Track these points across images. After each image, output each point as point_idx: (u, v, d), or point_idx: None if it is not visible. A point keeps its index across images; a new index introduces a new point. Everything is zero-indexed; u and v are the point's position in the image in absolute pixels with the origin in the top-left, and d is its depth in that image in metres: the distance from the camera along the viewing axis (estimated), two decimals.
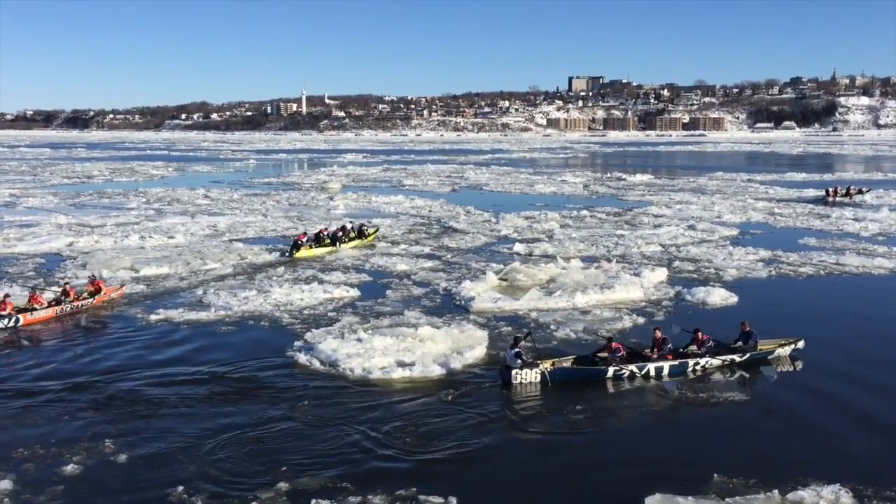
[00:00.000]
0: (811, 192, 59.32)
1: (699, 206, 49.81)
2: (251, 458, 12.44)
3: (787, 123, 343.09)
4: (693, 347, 17.23)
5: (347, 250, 32.33)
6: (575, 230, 38.73)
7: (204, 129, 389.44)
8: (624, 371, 16.40)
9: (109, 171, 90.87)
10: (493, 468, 12.26)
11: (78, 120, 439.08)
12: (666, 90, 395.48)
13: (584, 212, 46.42)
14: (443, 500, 11.03)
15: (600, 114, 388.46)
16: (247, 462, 12.28)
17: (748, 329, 17.64)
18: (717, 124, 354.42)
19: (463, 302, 22.85)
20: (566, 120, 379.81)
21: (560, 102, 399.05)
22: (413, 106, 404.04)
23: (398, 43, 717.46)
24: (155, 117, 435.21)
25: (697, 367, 16.95)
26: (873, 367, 17.32)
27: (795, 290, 25.67)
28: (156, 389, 15.63)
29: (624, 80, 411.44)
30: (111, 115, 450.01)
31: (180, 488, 11.35)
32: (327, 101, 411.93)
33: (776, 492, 11.11)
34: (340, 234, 33.56)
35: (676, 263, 29.20)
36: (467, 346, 17.98)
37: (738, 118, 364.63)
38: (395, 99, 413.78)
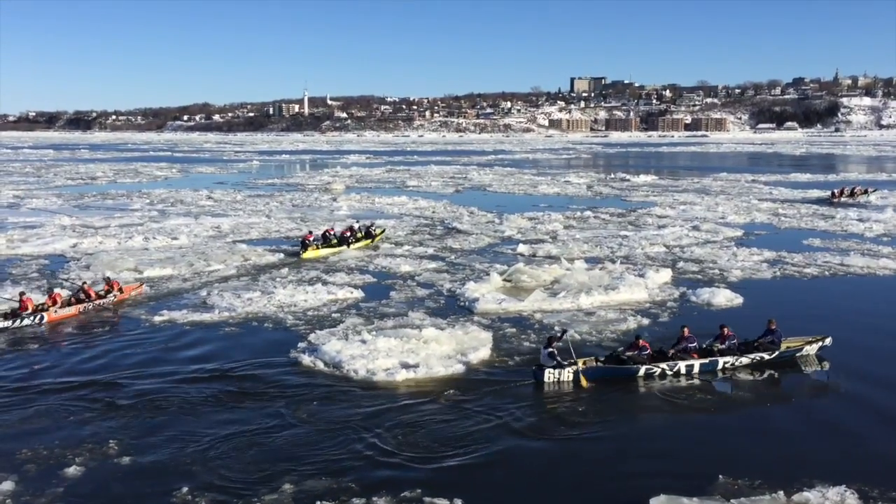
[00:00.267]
0: (815, 193, 59.18)
1: (703, 207, 49.71)
2: (255, 459, 12.40)
3: (789, 124, 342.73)
4: (718, 344, 17.19)
5: (353, 251, 32.34)
6: (579, 231, 38.66)
7: (206, 131, 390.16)
8: (655, 370, 16.39)
9: (113, 173, 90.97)
10: (498, 469, 12.21)
11: (80, 121, 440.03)
12: (668, 91, 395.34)
13: (588, 212, 46.34)
14: (447, 501, 10.99)
15: (602, 114, 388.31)
16: (251, 464, 12.24)
17: (774, 327, 17.61)
18: (720, 125, 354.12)
19: (467, 303, 22.81)
20: (568, 121, 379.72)
21: (562, 103, 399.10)
22: (415, 107, 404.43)
23: (400, 44, 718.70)
24: (157, 118, 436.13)
25: (727, 366, 16.96)
26: (886, 366, 17.29)
27: (800, 290, 25.60)
28: (160, 391, 15.60)
29: (626, 81, 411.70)
30: (113, 117, 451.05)
31: (184, 489, 11.32)
32: (329, 102, 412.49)
33: (781, 493, 11.07)
34: (348, 234, 33.65)
35: (681, 264, 29.12)
36: (471, 347, 17.93)
37: (740, 119, 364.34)
38: (397, 100, 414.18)
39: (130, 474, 11.97)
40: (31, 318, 21.04)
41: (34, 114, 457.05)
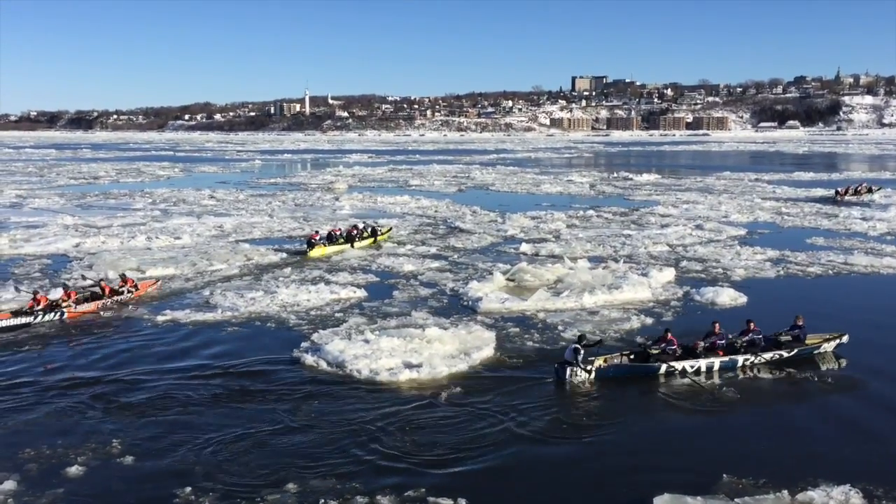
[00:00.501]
0: (818, 192, 59.03)
1: (706, 206, 49.61)
2: (258, 459, 12.37)
3: (790, 123, 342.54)
4: (742, 338, 17.27)
5: (357, 251, 32.35)
6: (582, 230, 38.61)
7: (207, 130, 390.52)
8: (675, 368, 16.44)
9: (115, 172, 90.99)
10: (501, 468, 12.17)
11: (82, 121, 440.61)
12: (669, 89, 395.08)
13: (591, 212, 46.26)
14: (452, 501, 10.95)
15: (604, 113, 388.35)
16: (255, 463, 12.22)
17: (801, 323, 17.68)
18: (721, 124, 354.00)
19: (470, 302, 22.76)
20: (569, 120, 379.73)
21: (563, 102, 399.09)
22: (416, 106, 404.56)
23: (401, 43, 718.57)
24: (158, 118, 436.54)
25: (747, 364, 17.00)
26: (893, 364, 17.28)
27: (804, 289, 25.53)
28: (162, 390, 15.58)
29: (627, 80, 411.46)
30: (115, 116, 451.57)
31: (188, 489, 11.30)
32: (330, 101, 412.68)
33: (786, 492, 11.04)
34: (354, 233, 33.74)
35: (684, 263, 29.07)
36: (475, 347, 17.89)
37: (741, 117, 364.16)
38: (398, 99, 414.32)
39: (133, 474, 11.94)
40: (52, 314, 21.32)
41: (35, 113, 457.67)
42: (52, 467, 12.08)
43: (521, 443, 13.14)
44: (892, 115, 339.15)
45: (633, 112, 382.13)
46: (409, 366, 16.58)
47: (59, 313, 21.45)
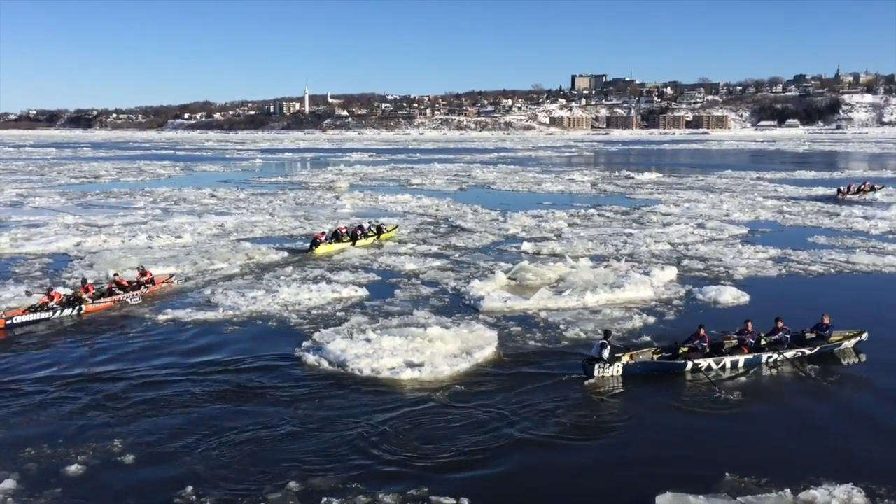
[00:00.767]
0: (820, 190, 59.03)
1: (708, 205, 49.56)
2: (261, 458, 12.34)
3: (790, 121, 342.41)
4: (773, 337, 17.42)
5: (358, 249, 32.34)
6: (583, 229, 38.57)
7: (207, 129, 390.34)
8: (701, 364, 16.59)
9: (116, 171, 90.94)
10: (503, 468, 12.14)
11: (81, 119, 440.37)
12: (669, 88, 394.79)
13: (592, 210, 46.21)
14: (454, 501, 10.93)
15: (603, 112, 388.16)
16: (257, 462, 12.18)
17: (828, 321, 17.87)
18: (721, 122, 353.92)
19: (472, 301, 22.72)
20: (569, 118, 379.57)
21: (563, 101, 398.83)
22: (416, 105, 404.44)
23: (401, 42, 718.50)
24: (158, 117, 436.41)
25: (770, 361, 17.15)
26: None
27: (806, 288, 25.51)
28: (164, 389, 15.56)
29: (627, 79, 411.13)
30: (114, 115, 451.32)
31: (189, 489, 11.26)
32: (330, 100, 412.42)
33: (788, 491, 11.02)
34: (359, 231, 33.84)
35: (686, 262, 29.03)
36: (477, 346, 17.85)
37: (741, 116, 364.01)
38: (397, 98, 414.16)
39: (133, 473, 11.91)
40: (70, 309, 21.57)
41: (35, 112, 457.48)
42: (52, 466, 12.05)
43: (523, 442, 13.10)
44: (891, 114, 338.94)
45: (632, 111, 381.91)
46: (410, 365, 16.55)
47: (76, 308, 21.68)
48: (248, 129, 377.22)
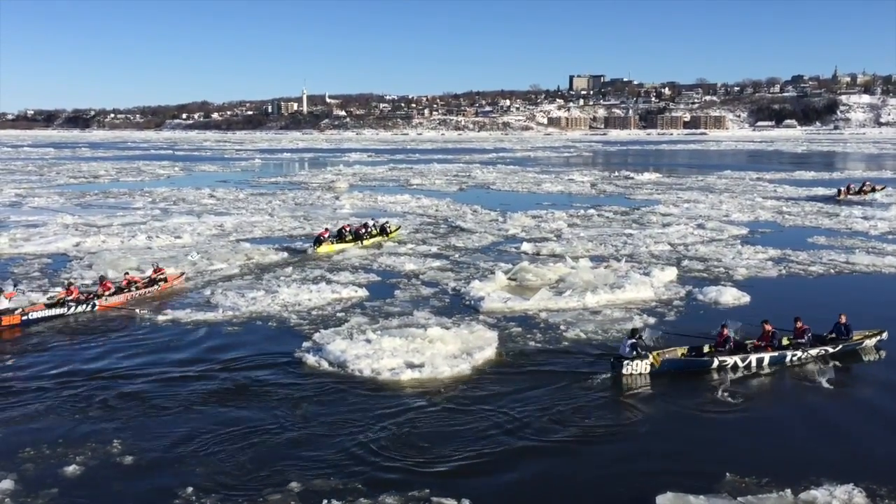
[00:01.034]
0: (819, 191, 59.06)
1: (707, 205, 49.60)
2: (261, 459, 12.31)
3: (788, 122, 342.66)
4: (793, 338, 17.49)
5: (359, 249, 32.32)
6: (583, 229, 38.57)
7: (205, 129, 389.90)
8: (728, 362, 16.77)
9: (115, 171, 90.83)
10: (504, 468, 12.12)
11: (79, 119, 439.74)
12: (667, 88, 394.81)
13: (592, 211, 46.20)
14: (455, 501, 10.89)
15: (601, 112, 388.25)
16: (257, 463, 12.14)
17: (844, 321, 17.96)
18: (719, 123, 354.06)
19: (472, 302, 22.69)
20: (567, 119, 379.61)
21: (561, 101, 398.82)
22: (414, 105, 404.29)
23: (399, 42, 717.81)
24: (156, 117, 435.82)
25: (795, 358, 17.26)
26: None
27: (806, 288, 25.53)
28: (164, 390, 15.52)
29: (625, 79, 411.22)
30: (112, 115, 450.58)
31: (189, 489, 11.23)
32: (328, 100, 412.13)
33: (788, 491, 11.01)
34: (363, 231, 33.80)
35: (686, 262, 29.03)
36: (477, 346, 17.82)
37: (739, 116, 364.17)
38: (395, 98, 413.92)
39: (132, 474, 11.87)
40: (85, 305, 21.96)
41: (32, 112, 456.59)
42: (50, 466, 12.01)
43: (524, 442, 13.08)
44: (889, 114, 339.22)
45: (630, 111, 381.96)
46: (410, 366, 16.52)
47: (91, 305, 22.04)
48: (246, 130, 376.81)
